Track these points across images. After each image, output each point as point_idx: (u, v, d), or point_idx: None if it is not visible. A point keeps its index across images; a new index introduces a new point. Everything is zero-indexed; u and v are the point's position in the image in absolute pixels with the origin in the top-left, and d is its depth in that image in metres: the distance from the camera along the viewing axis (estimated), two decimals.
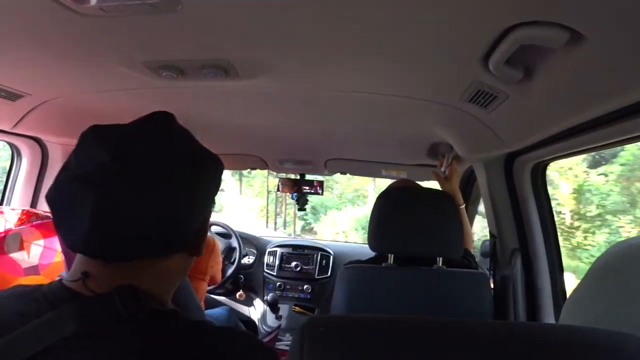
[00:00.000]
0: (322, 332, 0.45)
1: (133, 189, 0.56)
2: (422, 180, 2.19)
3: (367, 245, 1.40)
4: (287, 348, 2.05)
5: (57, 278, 0.67)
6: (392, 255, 1.38)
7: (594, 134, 0.92)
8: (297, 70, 1.04)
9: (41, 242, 1.44)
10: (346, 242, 6.45)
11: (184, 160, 0.62)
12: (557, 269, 1.38)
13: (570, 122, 0.93)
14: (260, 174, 13.63)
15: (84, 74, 1.10)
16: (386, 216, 1.37)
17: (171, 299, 0.68)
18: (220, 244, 2.77)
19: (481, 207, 2.19)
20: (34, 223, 1.47)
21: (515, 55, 0.76)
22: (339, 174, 2.66)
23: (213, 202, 0.69)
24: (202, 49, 0.91)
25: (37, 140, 1.77)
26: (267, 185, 13.36)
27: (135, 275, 0.59)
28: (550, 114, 0.93)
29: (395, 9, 0.68)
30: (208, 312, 2.34)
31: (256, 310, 2.95)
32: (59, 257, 1.46)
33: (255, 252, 3.01)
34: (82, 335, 0.53)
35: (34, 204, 1.84)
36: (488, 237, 1.66)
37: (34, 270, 1.40)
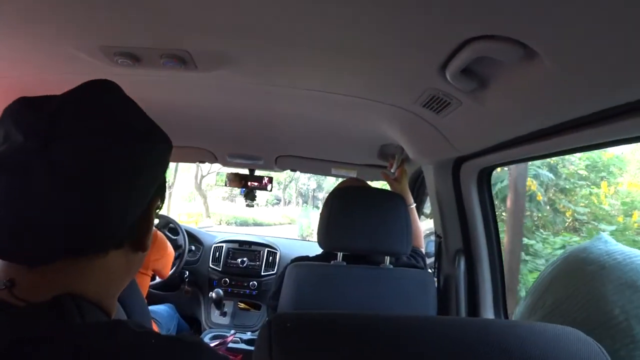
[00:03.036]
0: (289, 327, 0.44)
1: (51, 174, 0.46)
2: (372, 180, 2.23)
3: (314, 242, 1.40)
4: (234, 346, 2.03)
5: None
6: (341, 254, 1.40)
7: (538, 143, 0.98)
8: (253, 65, 1.02)
9: None
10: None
11: (121, 138, 0.51)
12: (497, 269, 1.46)
13: (517, 132, 0.98)
14: None
15: (36, 54, 1.01)
16: (336, 215, 1.39)
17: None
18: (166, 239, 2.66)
19: (427, 208, 2.27)
20: None
21: (471, 66, 0.78)
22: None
23: (162, 188, 0.59)
24: (161, 39, 0.87)
25: None
26: None
27: (69, 279, 0.50)
28: (500, 123, 0.98)
29: (357, 8, 0.67)
30: (151, 308, 2.26)
31: (200, 307, 2.87)
32: None
33: (200, 247, 2.93)
34: (11, 351, 0.44)
35: None
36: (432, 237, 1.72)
37: None
